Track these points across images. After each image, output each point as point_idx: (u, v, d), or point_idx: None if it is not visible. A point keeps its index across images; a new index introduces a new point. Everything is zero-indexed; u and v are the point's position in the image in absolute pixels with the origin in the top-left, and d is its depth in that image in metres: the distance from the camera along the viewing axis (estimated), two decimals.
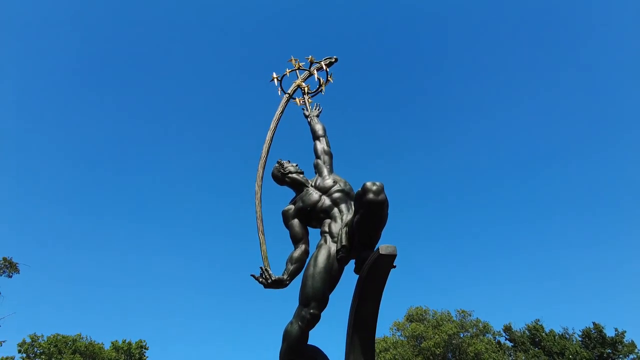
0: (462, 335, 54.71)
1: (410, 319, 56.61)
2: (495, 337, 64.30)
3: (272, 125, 11.64)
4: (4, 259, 26.11)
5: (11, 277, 26.35)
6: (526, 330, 69.07)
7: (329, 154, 10.53)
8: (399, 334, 56.60)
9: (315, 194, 9.23)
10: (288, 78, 13.11)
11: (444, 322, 54.42)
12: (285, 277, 8.49)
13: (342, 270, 8.24)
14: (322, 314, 7.96)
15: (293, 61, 13.06)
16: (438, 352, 49.69)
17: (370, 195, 6.96)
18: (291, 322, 7.83)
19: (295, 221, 9.17)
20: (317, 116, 11.92)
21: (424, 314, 56.27)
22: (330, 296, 8.23)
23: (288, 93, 12.57)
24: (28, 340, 44.64)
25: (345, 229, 8.12)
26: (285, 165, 10.05)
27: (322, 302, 7.78)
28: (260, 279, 8.54)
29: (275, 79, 12.90)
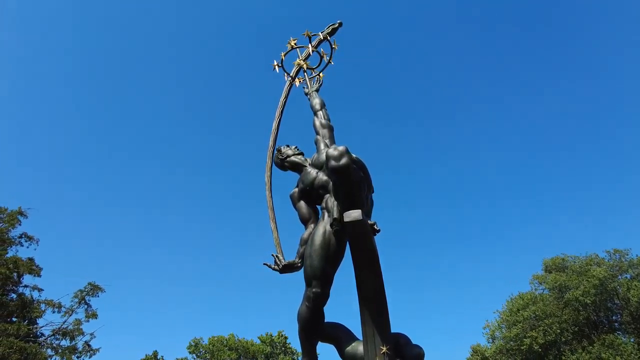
0: (619, 278, 47.07)
1: (548, 270, 50.77)
2: None
3: (277, 114, 11.65)
4: (90, 284, 31.83)
5: (98, 296, 32.23)
6: None
7: (327, 126, 10.08)
8: (541, 288, 51.24)
9: (312, 172, 8.97)
10: (290, 59, 12.86)
11: (592, 267, 47.37)
12: (296, 259, 8.53)
13: (343, 244, 7.87)
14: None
15: (291, 42, 12.75)
16: (589, 302, 43.52)
17: (332, 162, 6.56)
18: (301, 304, 7.81)
19: (302, 203, 9.07)
20: (317, 90, 11.49)
21: (563, 262, 49.86)
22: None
23: (291, 76, 12.36)
24: (193, 343, 53.00)
25: (337, 201, 7.75)
26: (283, 150, 9.98)
27: (324, 279, 7.56)
28: (273, 266, 8.72)
29: (276, 66, 12.75)
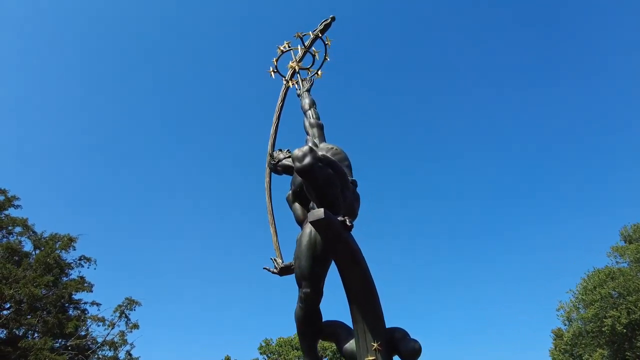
0: None
1: (628, 240, 45.80)
2: None
3: (274, 118, 11.80)
4: (127, 299, 34.15)
5: (135, 310, 34.57)
6: None
7: (317, 125, 10.08)
8: (622, 261, 46.24)
9: None
10: (287, 62, 12.91)
11: None
12: (293, 261, 8.63)
13: None
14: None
15: (280, 47, 12.83)
16: None
17: (297, 164, 6.60)
18: (296, 305, 7.90)
19: (296, 205, 9.16)
20: (309, 90, 11.48)
21: None
22: None
23: (286, 79, 12.46)
24: (263, 344, 55.15)
25: (312, 201, 7.77)
26: (275, 155, 10.10)
27: (312, 280, 7.58)
28: (272, 269, 8.91)
29: (272, 73, 12.89)
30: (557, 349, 46.91)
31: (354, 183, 7.90)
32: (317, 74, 12.92)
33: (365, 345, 6.89)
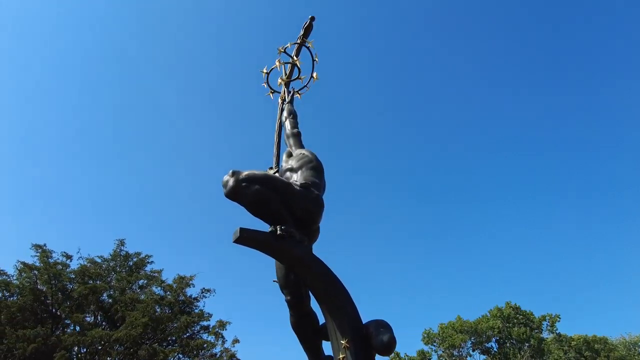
0: None
1: None
2: None
3: (275, 137, 12.37)
4: (218, 321, 38.24)
5: (226, 329, 38.57)
6: None
7: (292, 135, 10.30)
8: None
9: None
10: (278, 82, 13.35)
11: None
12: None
13: None
14: None
15: (263, 70, 13.33)
16: None
17: (224, 190, 7.08)
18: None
19: None
20: (291, 101, 11.74)
21: None
22: None
23: (280, 96, 12.94)
24: (425, 335, 54.54)
25: None
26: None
27: (290, 287, 7.86)
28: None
29: (271, 95, 13.48)
30: None
31: (304, 185, 7.85)
32: (313, 77, 13.08)
33: (336, 344, 6.93)
